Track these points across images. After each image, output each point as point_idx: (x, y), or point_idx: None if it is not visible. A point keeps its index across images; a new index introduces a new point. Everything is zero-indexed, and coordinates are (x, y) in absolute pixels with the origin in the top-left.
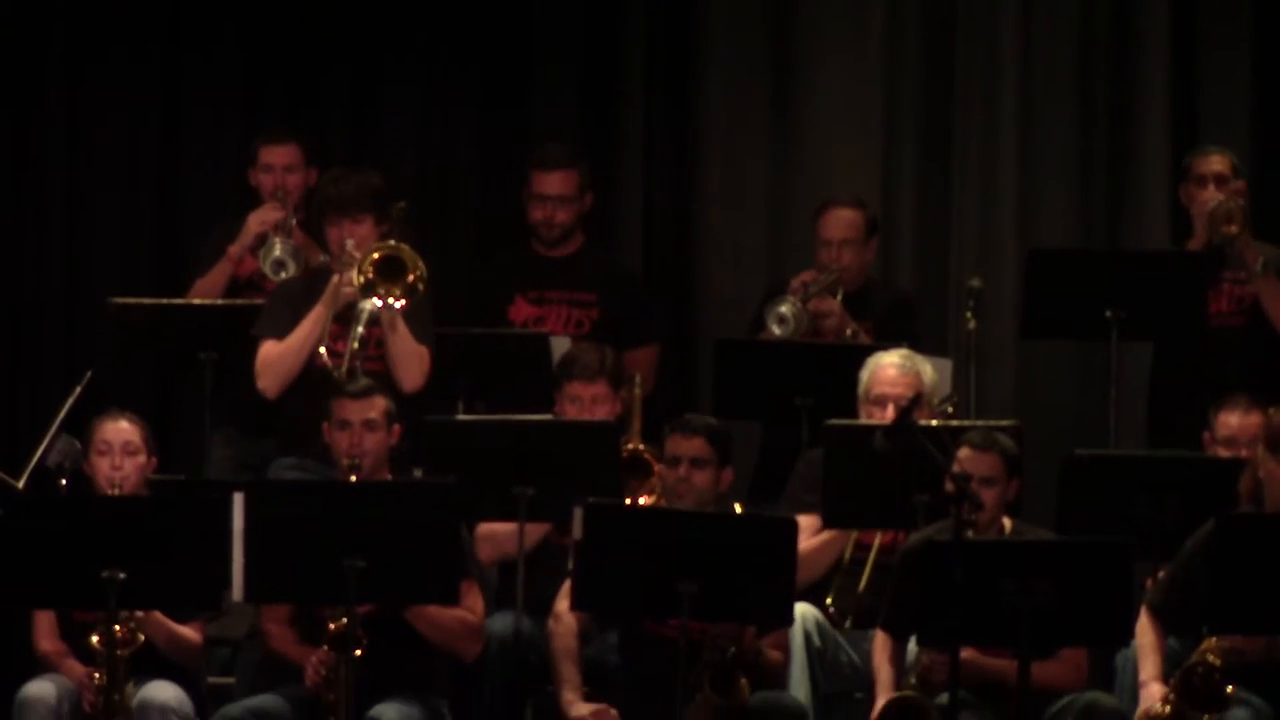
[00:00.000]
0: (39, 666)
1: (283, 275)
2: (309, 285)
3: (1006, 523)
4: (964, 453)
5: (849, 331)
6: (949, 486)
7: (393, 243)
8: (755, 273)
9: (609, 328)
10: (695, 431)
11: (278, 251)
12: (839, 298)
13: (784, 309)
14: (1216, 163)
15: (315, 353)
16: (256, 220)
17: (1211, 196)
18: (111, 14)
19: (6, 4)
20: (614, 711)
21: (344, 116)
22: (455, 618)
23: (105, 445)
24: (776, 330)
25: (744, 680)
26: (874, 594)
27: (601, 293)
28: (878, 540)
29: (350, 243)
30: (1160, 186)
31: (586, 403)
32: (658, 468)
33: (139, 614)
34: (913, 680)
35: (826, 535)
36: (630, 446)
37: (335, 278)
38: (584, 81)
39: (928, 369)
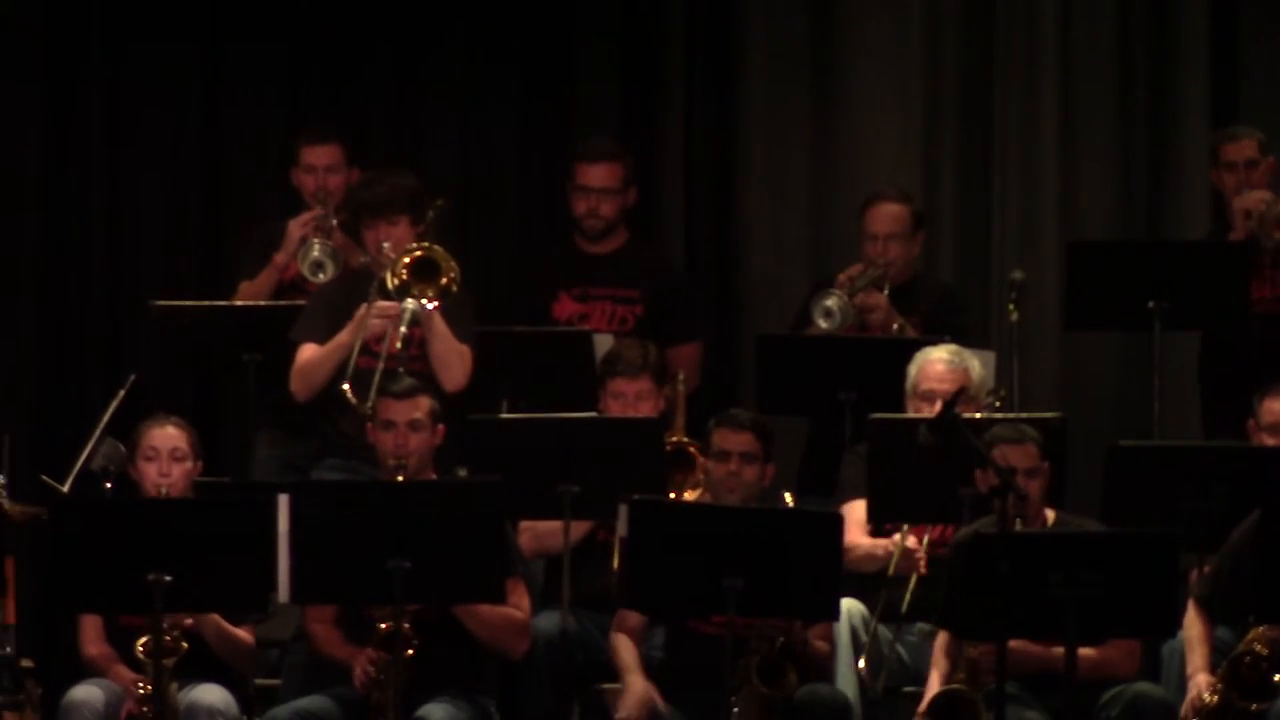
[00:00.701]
0: (85, 671)
1: (321, 277)
2: (348, 288)
3: (1049, 514)
4: (1000, 450)
5: (895, 326)
6: (981, 482)
7: (426, 245)
8: (797, 265)
9: (653, 324)
10: (744, 426)
11: (316, 253)
12: (885, 292)
13: (830, 303)
14: (1247, 148)
15: (353, 358)
16: (298, 226)
17: (1247, 192)
18: (151, 13)
19: (46, 2)
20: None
21: (385, 113)
22: (504, 616)
23: (153, 451)
24: (823, 324)
25: (792, 672)
26: (925, 589)
27: (645, 289)
28: (927, 538)
29: (387, 245)
30: (1201, 176)
31: (630, 399)
32: (701, 461)
33: (191, 617)
34: (961, 673)
35: (885, 543)
36: (674, 440)
37: (362, 308)
38: (624, 75)
39: (975, 364)
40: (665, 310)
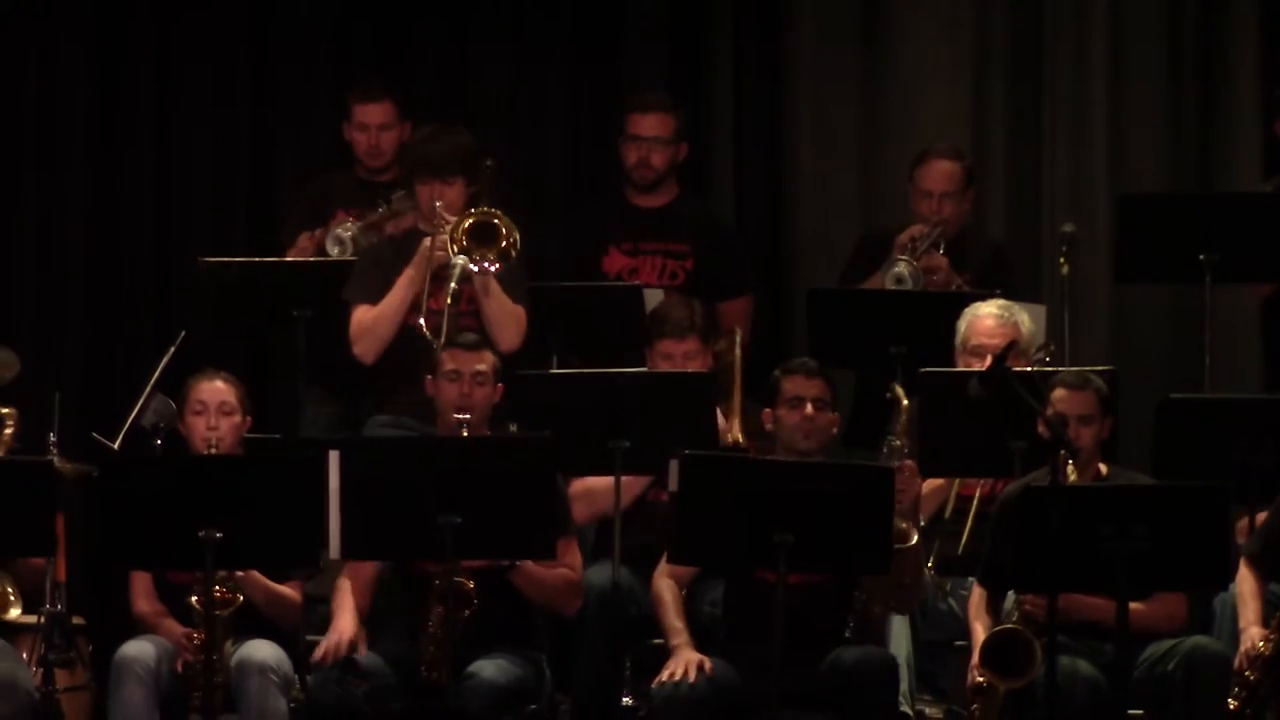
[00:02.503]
0: (136, 628)
1: (336, 252)
2: (399, 248)
3: (1102, 467)
4: (1059, 393)
5: (954, 286)
6: (1042, 430)
7: (486, 209)
8: (846, 219)
9: (703, 279)
10: (816, 373)
11: (340, 231)
12: (942, 251)
13: (900, 269)
14: None
15: (410, 314)
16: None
17: None
18: None
19: None
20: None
21: (434, 70)
22: (559, 576)
23: (201, 405)
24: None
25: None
26: (975, 545)
27: (695, 244)
28: (978, 493)
29: (440, 204)
30: (1251, 128)
31: (679, 359)
32: (766, 412)
33: (238, 574)
34: (1014, 621)
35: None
36: (731, 439)
37: (426, 241)
38: (674, 32)
39: (1025, 318)
40: (715, 265)
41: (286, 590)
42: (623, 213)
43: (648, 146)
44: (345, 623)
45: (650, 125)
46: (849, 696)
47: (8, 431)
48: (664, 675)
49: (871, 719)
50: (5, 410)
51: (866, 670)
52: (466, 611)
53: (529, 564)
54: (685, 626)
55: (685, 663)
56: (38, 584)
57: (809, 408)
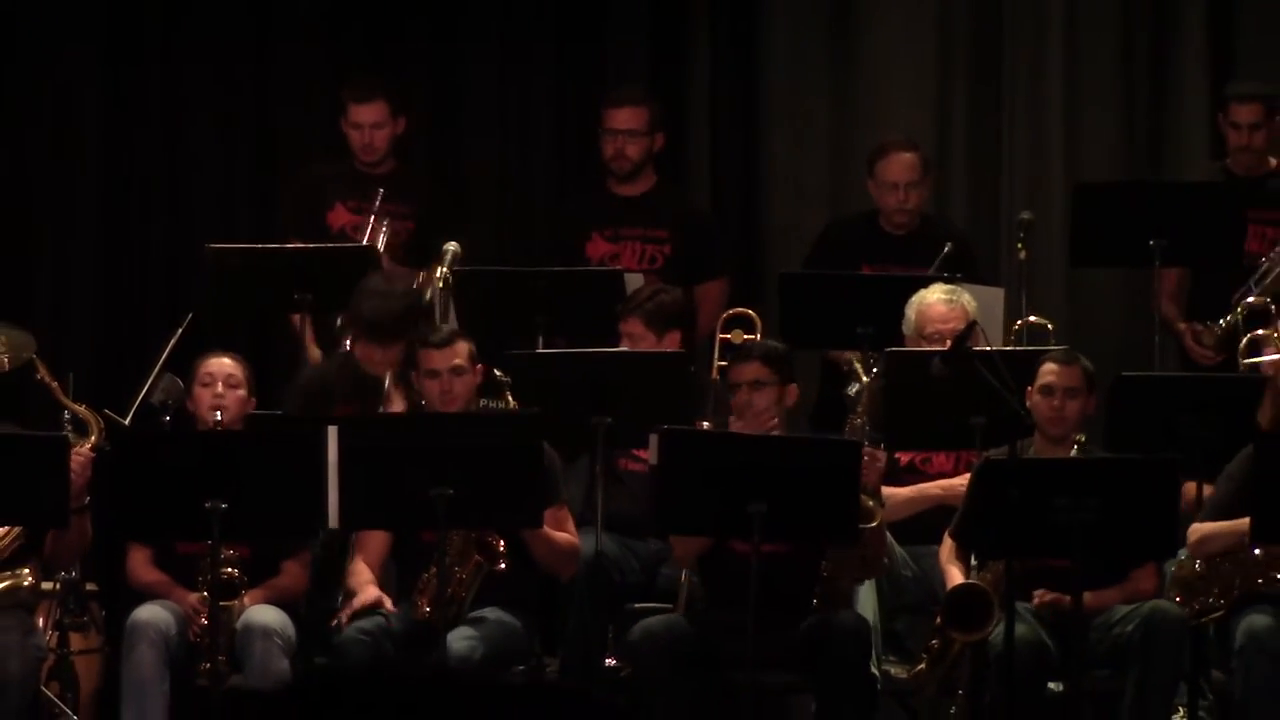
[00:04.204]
0: (141, 598)
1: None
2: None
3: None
4: (1049, 367)
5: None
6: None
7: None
8: (817, 206)
9: (680, 262)
10: (750, 356)
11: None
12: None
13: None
14: (1251, 113)
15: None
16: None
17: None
18: None
19: None
20: None
21: (425, 67)
22: (566, 540)
23: (209, 377)
24: None
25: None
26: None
27: (673, 229)
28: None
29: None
30: (1198, 120)
31: (636, 338)
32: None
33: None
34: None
35: (910, 493)
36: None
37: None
38: (654, 28)
39: (968, 297)
40: (691, 249)
41: (288, 581)
42: (604, 201)
43: (623, 139)
44: (370, 590)
45: (624, 119)
46: (822, 658)
47: (93, 440)
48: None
49: (844, 680)
50: (91, 416)
51: (840, 633)
52: (502, 565)
53: (545, 528)
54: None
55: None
56: (64, 558)
57: (744, 391)
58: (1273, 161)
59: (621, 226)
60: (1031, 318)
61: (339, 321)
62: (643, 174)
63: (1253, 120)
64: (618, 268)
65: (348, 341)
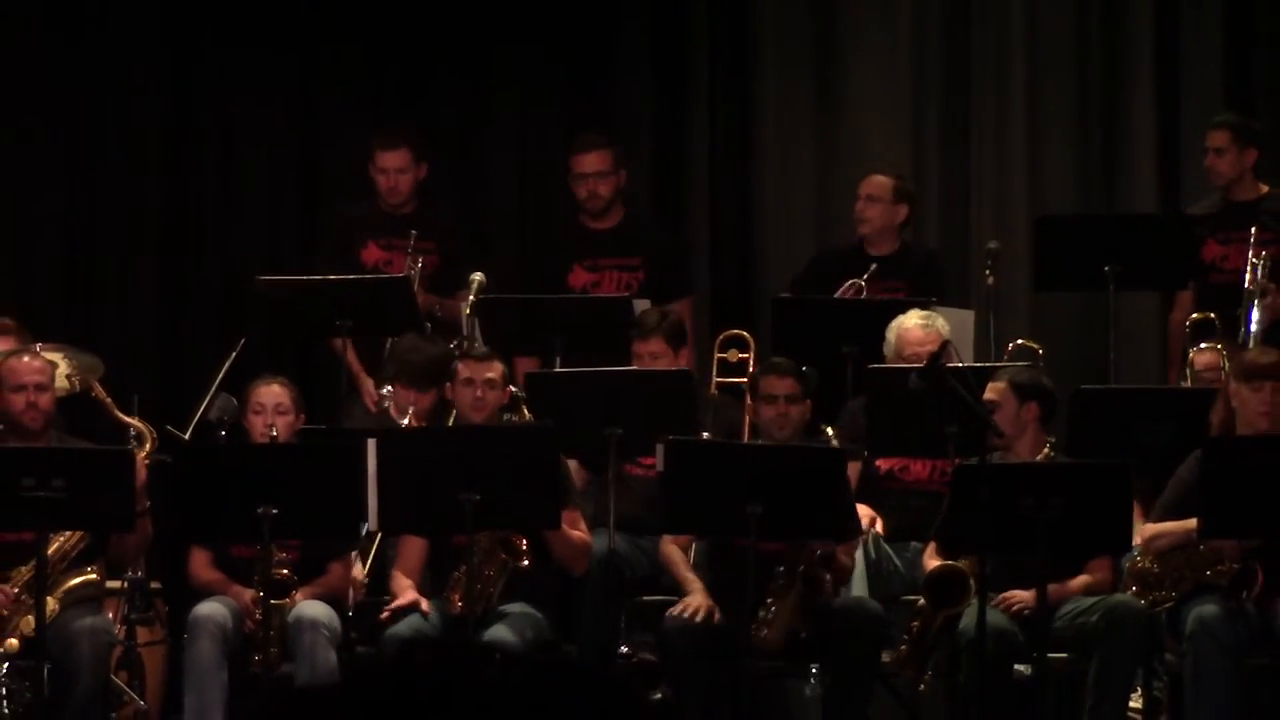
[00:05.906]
0: (201, 595)
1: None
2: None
3: (1046, 448)
4: (989, 386)
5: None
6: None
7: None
8: (805, 237)
9: (652, 285)
10: (787, 372)
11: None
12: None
13: None
14: (1218, 138)
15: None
16: None
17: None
18: (255, 16)
19: (160, 11)
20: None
21: (454, 111)
22: (580, 539)
23: (260, 406)
24: None
25: (829, 579)
26: (910, 515)
27: (644, 256)
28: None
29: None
30: (1147, 155)
31: (646, 358)
32: (748, 404)
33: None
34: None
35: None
36: None
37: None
38: (657, 75)
39: (942, 321)
40: (661, 272)
41: (334, 581)
42: (581, 235)
43: (594, 180)
44: (410, 593)
45: (592, 162)
46: (836, 643)
47: (147, 448)
48: (677, 609)
49: (859, 664)
50: (144, 427)
51: (858, 617)
52: (525, 562)
53: (564, 528)
54: (697, 578)
55: (699, 605)
56: (128, 556)
57: (780, 404)
58: (1264, 188)
59: (599, 257)
60: (1020, 340)
61: (384, 369)
62: (613, 208)
63: (1218, 145)
64: (626, 295)
65: (388, 387)
